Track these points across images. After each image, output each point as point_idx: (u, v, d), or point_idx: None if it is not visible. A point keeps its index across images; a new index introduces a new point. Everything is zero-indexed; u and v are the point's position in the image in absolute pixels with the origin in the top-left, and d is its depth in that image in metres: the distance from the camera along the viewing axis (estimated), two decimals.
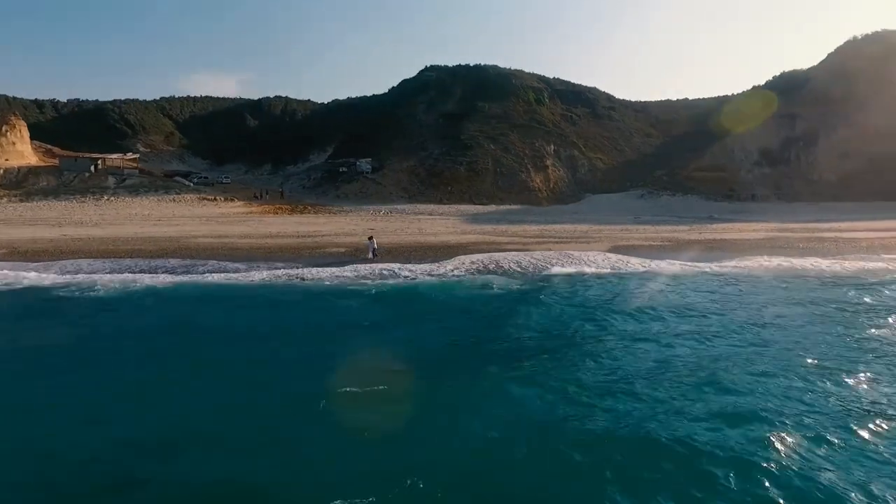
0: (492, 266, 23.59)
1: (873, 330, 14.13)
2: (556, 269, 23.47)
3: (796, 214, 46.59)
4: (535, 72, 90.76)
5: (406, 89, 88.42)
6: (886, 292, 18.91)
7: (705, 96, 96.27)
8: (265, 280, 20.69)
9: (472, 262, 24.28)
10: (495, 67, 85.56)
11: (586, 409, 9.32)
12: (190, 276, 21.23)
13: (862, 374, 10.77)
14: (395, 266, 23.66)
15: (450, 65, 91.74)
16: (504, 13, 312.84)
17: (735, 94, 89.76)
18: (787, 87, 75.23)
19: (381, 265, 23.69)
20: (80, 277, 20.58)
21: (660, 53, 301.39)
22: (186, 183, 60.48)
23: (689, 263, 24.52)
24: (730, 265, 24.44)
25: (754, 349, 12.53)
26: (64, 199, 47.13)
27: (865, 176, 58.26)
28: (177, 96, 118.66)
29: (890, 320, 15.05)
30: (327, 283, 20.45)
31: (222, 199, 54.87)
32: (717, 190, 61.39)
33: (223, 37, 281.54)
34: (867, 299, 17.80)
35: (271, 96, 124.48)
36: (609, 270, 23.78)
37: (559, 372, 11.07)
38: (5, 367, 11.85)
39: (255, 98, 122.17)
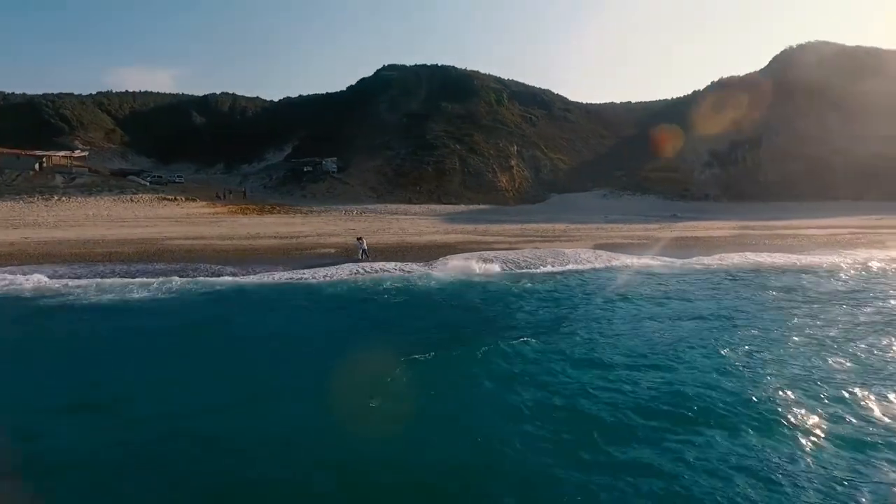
0: (491, 266, 23.86)
1: (853, 312, 15.59)
2: (555, 268, 24.08)
3: (751, 213, 49.66)
4: (491, 73, 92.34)
5: (366, 88, 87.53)
6: (853, 282, 20.73)
7: (645, 100, 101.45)
8: (278, 282, 20.24)
9: (470, 261, 24.48)
10: (454, 68, 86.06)
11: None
12: (191, 279, 20.33)
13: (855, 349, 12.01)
14: (391, 265, 23.56)
15: (408, 64, 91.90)
16: (450, 15, 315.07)
17: (676, 97, 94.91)
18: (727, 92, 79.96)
19: (379, 264, 23.52)
20: (64, 284, 19.21)
21: (602, 58, 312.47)
22: (142, 182, 57.38)
23: (675, 259, 25.77)
24: (714, 260, 25.88)
25: (766, 329, 13.49)
26: (9, 200, 43.53)
27: (803, 177, 62.83)
28: (115, 91, 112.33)
29: (868, 309, 16.43)
30: (335, 283, 20.14)
31: (183, 198, 52.46)
32: (672, 190, 64.48)
33: (154, 28, 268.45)
34: (844, 287, 19.50)
35: (217, 93, 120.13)
36: (603, 266, 24.64)
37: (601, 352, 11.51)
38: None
39: (200, 94, 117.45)
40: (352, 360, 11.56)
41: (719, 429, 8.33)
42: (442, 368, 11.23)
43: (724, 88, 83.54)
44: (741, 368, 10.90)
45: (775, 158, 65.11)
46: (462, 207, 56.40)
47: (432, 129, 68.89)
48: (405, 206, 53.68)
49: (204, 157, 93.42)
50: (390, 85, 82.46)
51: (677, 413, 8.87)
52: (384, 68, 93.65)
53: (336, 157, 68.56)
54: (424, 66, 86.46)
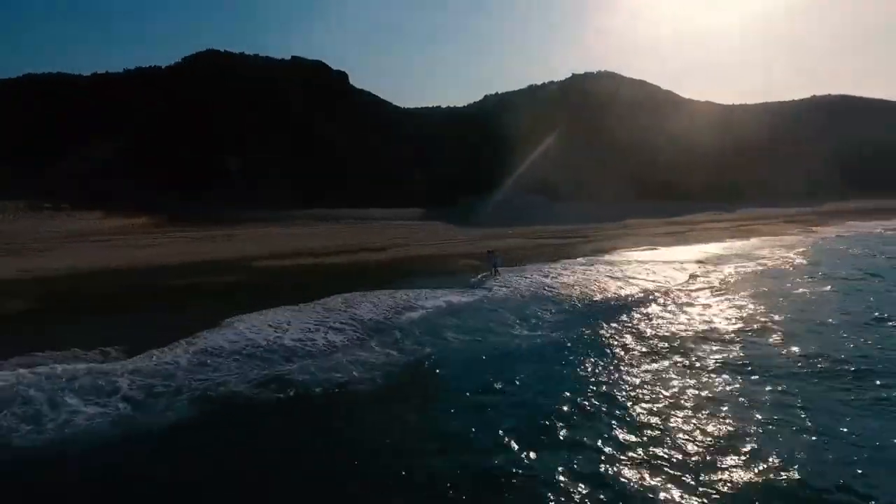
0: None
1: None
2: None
3: (650, 212, 59.88)
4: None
5: (210, 72, 73.36)
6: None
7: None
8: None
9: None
10: (321, 62, 79.15)
11: None
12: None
13: None
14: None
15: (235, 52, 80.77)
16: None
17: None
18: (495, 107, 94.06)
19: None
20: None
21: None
22: None
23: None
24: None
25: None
26: None
27: (626, 182, 78.08)
28: None
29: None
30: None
31: (68, 206, 38.20)
32: (549, 190, 71.56)
33: None
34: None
35: None
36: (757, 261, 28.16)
37: None
38: None
39: None
40: None
41: None
42: None
43: (492, 103, 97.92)
44: None
45: (607, 163, 79.08)
46: (405, 211, 54.11)
47: (333, 129, 63.23)
48: (361, 210, 49.12)
49: None
50: (249, 75, 71.20)
51: None
52: (213, 52, 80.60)
53: (216, 153, 57.84)
54: (297, 58, 77.15)
